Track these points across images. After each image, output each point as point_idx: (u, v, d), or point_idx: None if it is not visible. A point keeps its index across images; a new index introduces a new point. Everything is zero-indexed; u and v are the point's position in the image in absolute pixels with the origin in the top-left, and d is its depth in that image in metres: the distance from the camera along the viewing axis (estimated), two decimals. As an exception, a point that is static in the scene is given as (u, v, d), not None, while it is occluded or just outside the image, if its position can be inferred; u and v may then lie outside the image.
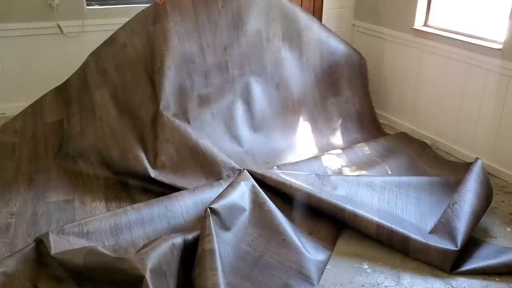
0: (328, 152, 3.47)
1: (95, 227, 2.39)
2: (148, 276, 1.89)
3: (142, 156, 3.09)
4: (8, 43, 4.07)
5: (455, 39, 3.56)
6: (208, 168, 3.09)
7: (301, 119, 3.73)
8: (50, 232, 2.21)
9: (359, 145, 3.58)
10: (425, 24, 3.93)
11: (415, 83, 3.99)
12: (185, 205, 2.69)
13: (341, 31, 4.56)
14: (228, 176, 3.05)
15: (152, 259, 2.00)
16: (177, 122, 3.20)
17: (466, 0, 3.70)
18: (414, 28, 3.91)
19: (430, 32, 3.78)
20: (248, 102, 3.55)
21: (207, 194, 2.78)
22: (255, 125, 3.54)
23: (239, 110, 3.51)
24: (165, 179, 3.00)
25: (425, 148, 3.72)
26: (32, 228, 2.67)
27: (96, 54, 3.47)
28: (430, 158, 3.59)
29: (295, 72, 3.75)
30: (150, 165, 3.05)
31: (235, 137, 3.43)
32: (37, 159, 3.29)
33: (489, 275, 2.41)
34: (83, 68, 3.50)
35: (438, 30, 3.77)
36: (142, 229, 2.52)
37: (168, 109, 3.24)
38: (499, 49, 3.24)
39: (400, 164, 3.42)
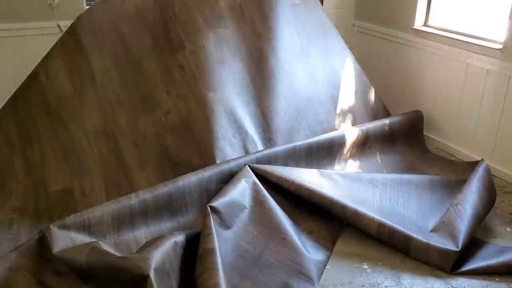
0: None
1: (97, 220, 2.34)
2: (152, 275, 1.89)
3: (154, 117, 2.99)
4: (8, 43, 4.06)
5: (455, 39, 3.56)
6: (215, 122, 2.99)
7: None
8: (51, 226, 2.19)
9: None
10: (425, 24, 3.93)
11: (415, 83, 3.99)
12: (188, 184, 2.65)
13: (341, 31, 4.56)
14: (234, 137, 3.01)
15: (156, 258, 1.99)
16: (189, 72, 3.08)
17: (466, 0, 3.70)
18: (414, 28, 3.91)
19: (430, 32, 3.78)
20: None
21: (211, 173, 2.75)
22: None
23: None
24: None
25: (425, 153, 3.71)
26: (35, 227, 2.63)
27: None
28: (430, 159, 3.59)
29: None
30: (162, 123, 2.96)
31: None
32: None
33: (489, 275, 2.41)
34: (74, 27, 3.24)
35: (438, 30, 3.76)
36: (144, 224, 2.51)
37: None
38: (499, 49, 3.24)
39: (399, 167, 3.44)
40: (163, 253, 2.06)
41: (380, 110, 3.80)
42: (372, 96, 3.80)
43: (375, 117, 3.72)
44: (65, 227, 2.24)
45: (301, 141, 3.15)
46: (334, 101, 3.60)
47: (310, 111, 3.44)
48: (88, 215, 2.34)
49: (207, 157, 2.92)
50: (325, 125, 3.46)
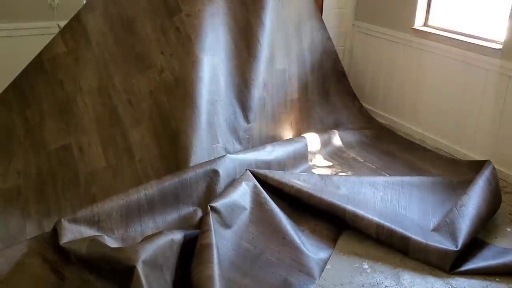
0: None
1: (106, 216, 2.44)
2: (140, 267, 1.95)
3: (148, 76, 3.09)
4: (8, 43, 4.06)
5: (455, 39, 3.56)
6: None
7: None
8: (62, 220, 2.31)
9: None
10: (425, 24, 3.93)
11: (415, 83, 3.99)
12: (195, 175, 2.72)
13: (341, 31, 4.56)
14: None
15: (147, 251, 2.06)
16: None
17: (466, 0, 3.70)
18: (414, 28, 3.91)
19: (430, 32, 3.78)
20: None
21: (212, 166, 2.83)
22: None
23: None
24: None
25: (426, 151, 3.72)
26: (40, 194, 2.78)
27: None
28: (433, 158, 3.60)
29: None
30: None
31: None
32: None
33: (489, 275, 2.41)
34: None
35: (438, 30, 3.76)
36: (152, 220, 2.56)
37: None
38: (499, 49, 3.24)
39: (402, 168, 3.45)
40: (157, 247, 2.12)
41: (346, 90, 4.08)
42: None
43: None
44: (75, 221, 2.35)
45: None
46: (300, 76, 3.79)
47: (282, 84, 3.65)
48: (98, 209, 2.43)
49: (197, 116, 3.01)
50: (288, 97, 3.70)
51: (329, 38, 4.03)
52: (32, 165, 2.88)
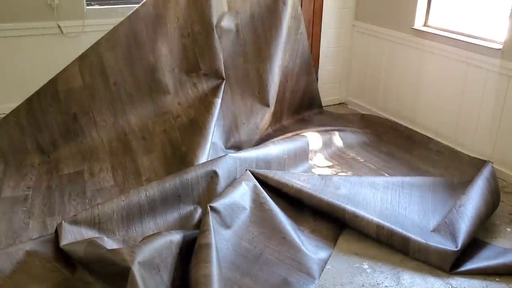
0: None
1: (107, 218, 2.46)
2: (135, 268, 1.96)
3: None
4: (8, 43, 4.07)
5: (455, 39, 3.56)
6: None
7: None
8: (63, 222, 2.33)
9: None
10: (425, 24, 3.93)
11: (415, 83, 3.99)
12: (196, 175, 2.75)
13: (341, 31, 4.57)
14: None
15: (144, 252, 2.06)
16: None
17: (466, 0, 3.70)
18: (414, 28, 3.91)
19: (430, 32, 3.78)
20: None
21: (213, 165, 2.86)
22: None
23: None
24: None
25: (427, 145, 3.73)
26: (47, 200, 2.90)
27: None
28: (433, 155, 3.60)
29: None
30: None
31: None
32: None
33: (489, 275, 2.41)
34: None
35: (438, 30, 3.76)
36: (153, 221, 2.58)
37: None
38: (499, 49, 3.24)
39: (402, 168, 3.45)
40: (154, 249, 2.13)
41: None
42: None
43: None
44: (76, 223, 2.37)
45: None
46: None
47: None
48: (99, 211, 2.45)
49: (206, 142, 3.15)
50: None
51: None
52: (43, 183, 3.07)
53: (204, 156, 3.06)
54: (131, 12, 3.41)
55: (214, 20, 3.40)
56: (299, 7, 3.94)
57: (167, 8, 3.39)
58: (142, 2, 3.39)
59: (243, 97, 3.64)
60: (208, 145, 3.14)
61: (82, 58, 3.34)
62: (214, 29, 3.40)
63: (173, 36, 3.43)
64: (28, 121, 3.26)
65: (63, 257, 2.23)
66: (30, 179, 3.10)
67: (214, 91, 3.40)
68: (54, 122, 3.29)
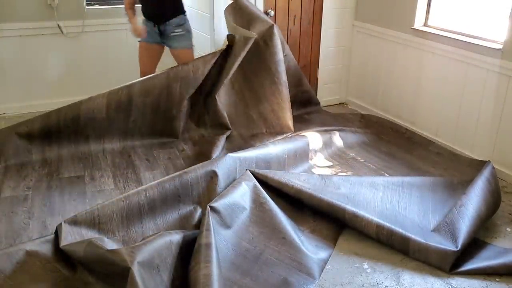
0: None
1: (106, 218, 2.46)
2: (135, 268, 1.96)
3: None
4: (8, 43, 4.07)
5: (455, 39, 3.56)
6: None
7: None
8: (63, 222, 2.33)
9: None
10: (425, 24, 3.93)
11: (415, 83, 3.99)
12: (196, 176, 2.77)
13: (341, 31, 4.57)
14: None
15: (143, 252, 2.06)
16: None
17: (466, 0, 3.70)
18: (414, 28, 3.91)
19: (430, 32, 3.78)
20: None
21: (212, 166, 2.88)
22: None
23: None
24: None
25: (427, 147, 3.73)
26: (48, 200, 2.93)
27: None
28: (433, 156, 3.60)
29: None
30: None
31: None
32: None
33: (489, 275, 2.41)
34: None
35: (438, 30, 3.76)
36: (152, 221, 2.57)
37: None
38: (499, 49, 3.24)
39: (402, 168, 3.45)
40: (154, 249, 2.13)
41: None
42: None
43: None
44: (75, 223, 2.37)
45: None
46: None
47: None
48: (98, 212, 2.45)
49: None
50: None
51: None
52: (43, 184, 3.12)
53: None
54: (172, 67, 3.70)
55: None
56: (281, 42, 3.96)
57: (203, 74, 3.74)
58: (185, 64, 3.73)
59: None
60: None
61: (112, 93, 3.54)
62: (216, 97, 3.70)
63: (198, 96, 3.80)
64: (41, 134, 3.42)
65: (63, 257, 2.23)
66: (30, 180, 3.14)
67: (219, 135, 3.64)
68: (65, 140, 3.48)
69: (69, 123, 3.45)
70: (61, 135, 3.47)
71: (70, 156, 3.44)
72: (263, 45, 3.73)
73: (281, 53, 3.80)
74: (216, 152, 3.38)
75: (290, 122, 3.78)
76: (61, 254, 2.23)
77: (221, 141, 3.54)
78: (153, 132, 3.72)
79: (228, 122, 3.70)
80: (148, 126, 3.69)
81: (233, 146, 3.56)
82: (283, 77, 3.79)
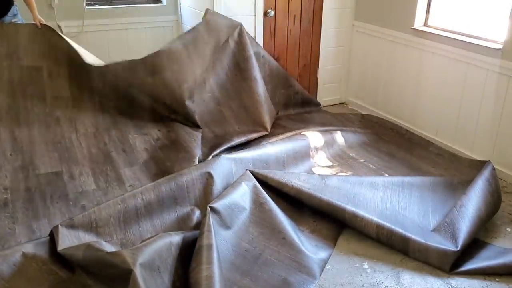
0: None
1: (104, 222, 2.43)
2: (137, 270, 1.95)
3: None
4: (8, 43, 4.06)
5: (455, 39, 3.56)
6: None
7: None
8: (60, 225, 2.30)
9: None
10: (425, 24, 3.93)
11: (415, 83, 3.99)
12: (191, 176, 2.75)
13: (341, 31, 4.57)
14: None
15: (144, 254, 2.06)
16: None
17: (466, 0, 3.70)
18: (414, 28, 3.91)
19: (430, 32, 3.78)
20: None
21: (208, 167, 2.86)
22: None
23: None
24: None
25: (427, 148, 3.73)
26: (29, 204, 2.81)
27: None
28: (433, 156, 3.60)
29: None
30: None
31: None
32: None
33: (489, 275, 2.41)
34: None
35: (438, 30, 3.76)
36: (150, 223, 2.56)
37: None
38: (499, 49, 3.24)
39: (402, 168, 3.45)
40: (154, 250, 2.12)
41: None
42: None
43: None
44: (73, 227, 2.34)
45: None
46: None
47: None
48: (96, 216, 2.42)
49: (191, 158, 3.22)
50: None
51: None
52: (20, 184, 2.96)
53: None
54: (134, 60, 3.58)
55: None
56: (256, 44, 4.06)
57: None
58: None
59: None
60: (195, 160, 3.19)
61: (75, 72, 3.50)
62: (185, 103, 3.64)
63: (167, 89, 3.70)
64: (10, 114, 3.32)
65: (60, 259, 2.21)
66: (5, 177, 2.99)
67: (194, 129, 3.64)
68: (36, 120, 3.35)
69: (36, 102, 3.36)
70: (30, 116, 3.34)
71: (43, 141, 3.27)
72: (232, 43, 3.83)
73: (251, 50, 3.88)
74: (194, 143, 3.37)
75: (265, 120, 3.80)
76: (58, 257, 2.21)
77: (198, 135, 3.52)
78: (123, 113, 3.64)
79: (198, 121, 3.68)
80: (116, 108, 3.63)
81: (205, 142, 3.54)
82: (254, 74, 3.85)
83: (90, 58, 3.58)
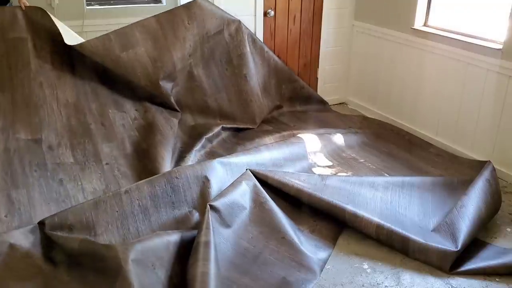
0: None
1: (102, 229, 2.41)
2: (129, 265, 1.98)
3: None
4: (8, 43, 4.06)
5: (455, 39, 3.56)
6: None
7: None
8: (53, 216, 2.33)
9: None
10: (425, 24, 3.93)
11: (415, 83, 3.99)
12: (187, 180, 2.75)
13: (341, 31, 4.57)
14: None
15: (137, 250, 2.08)
16: None
17: (466, 0, 3.70)
18: (414, 28, 3.91)
19: (430, 32, 3.78)
20: None
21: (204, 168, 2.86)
22: None
23: None
24: None
25: (427, 149, 3.73)
26: (8, 167, 2.86)
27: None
28: (433, 157, 3.60)
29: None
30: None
31: None
32: None
33: (489, 275, 2.41)
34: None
35: (438, 30, 3.76)
36: (149, 226, 2.55)
37: None
38: (499, 49, 3.24)
39: (402, 168, 3.45)
40: (149, 246, 2.14)
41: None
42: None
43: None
44: (68, 226, 2.34)
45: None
46: None
47: None
48: (93, 221, 2.41)
49: (166, 141, 3.31)
50: None
51: None
52: (0, 145, 2.99)
53: (167, 153, 3.24)
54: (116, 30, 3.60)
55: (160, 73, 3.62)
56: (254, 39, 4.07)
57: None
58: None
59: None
60: (170, 143, 3.29)
61: (56, 46, 3.44)
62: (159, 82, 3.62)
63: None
64: None
65: (44, 252, 2.22)
66: None
67: (172, 113, 3.69)
68: (19, 84, 3.32)
69: (21, 68, 3.34)
70: (13, 81, 3.31)
71: (25, 103, 3.24)
72: (228, 36, 3.86)
73: (246, 48, 3.92)
74: (170, 125, 3.47)
75: (250, 117, 3.89)
76: (42, 249, 2.22)
77: (175, 123, 3.58)
78: (104, 92, 3.60)
79: (175, 104, 3.70)
80: (96, 82, 3.60)
81: (186, 129, 3.64)
82: (245, 72, 3.91)
83: (70, 36, 3.56)
